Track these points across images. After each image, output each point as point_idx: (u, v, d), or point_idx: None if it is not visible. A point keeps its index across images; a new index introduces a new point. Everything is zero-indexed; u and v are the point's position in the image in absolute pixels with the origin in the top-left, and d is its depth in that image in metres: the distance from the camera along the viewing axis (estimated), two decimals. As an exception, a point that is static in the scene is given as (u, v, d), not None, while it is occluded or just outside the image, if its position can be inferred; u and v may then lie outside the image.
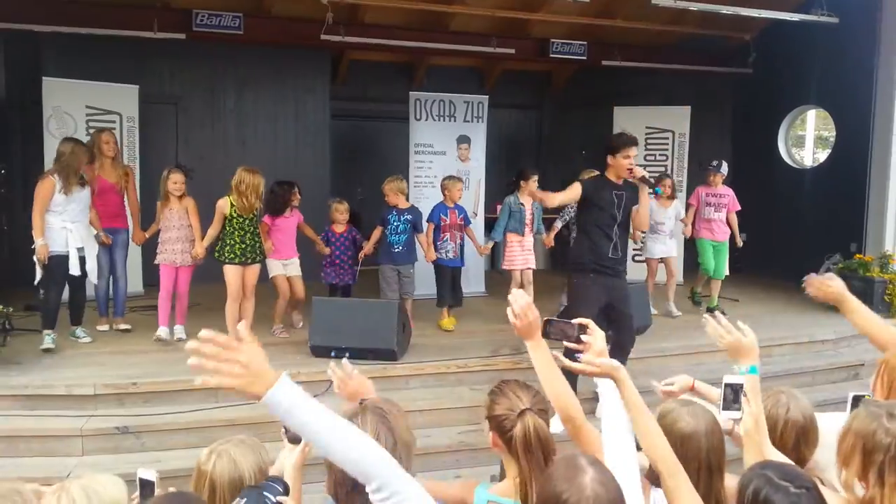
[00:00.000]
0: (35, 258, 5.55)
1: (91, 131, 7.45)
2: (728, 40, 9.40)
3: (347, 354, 5.43)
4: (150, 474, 2.08)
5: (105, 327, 6.42)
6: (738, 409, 2.09)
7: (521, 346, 5.78)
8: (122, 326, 6.45)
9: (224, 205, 5.84)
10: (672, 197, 7.45)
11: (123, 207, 6.51)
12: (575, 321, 2.01)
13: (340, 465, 1.45)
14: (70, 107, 7.57)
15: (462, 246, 6.93)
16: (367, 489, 1.44)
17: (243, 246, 5.86)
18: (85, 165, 5.92)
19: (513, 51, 9.00)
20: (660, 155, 9.45)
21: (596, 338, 1.95)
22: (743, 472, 1.79)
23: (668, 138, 9.41)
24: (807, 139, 13.68)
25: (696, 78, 9.64)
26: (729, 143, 10.32)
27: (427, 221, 6.75)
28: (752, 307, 7.66)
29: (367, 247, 6.47)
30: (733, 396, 2.09)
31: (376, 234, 6.53)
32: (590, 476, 1.51)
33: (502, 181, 8.97)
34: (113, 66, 7.93)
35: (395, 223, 6.47)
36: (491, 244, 7.20)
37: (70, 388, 4.84)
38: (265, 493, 1.94)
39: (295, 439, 2.22)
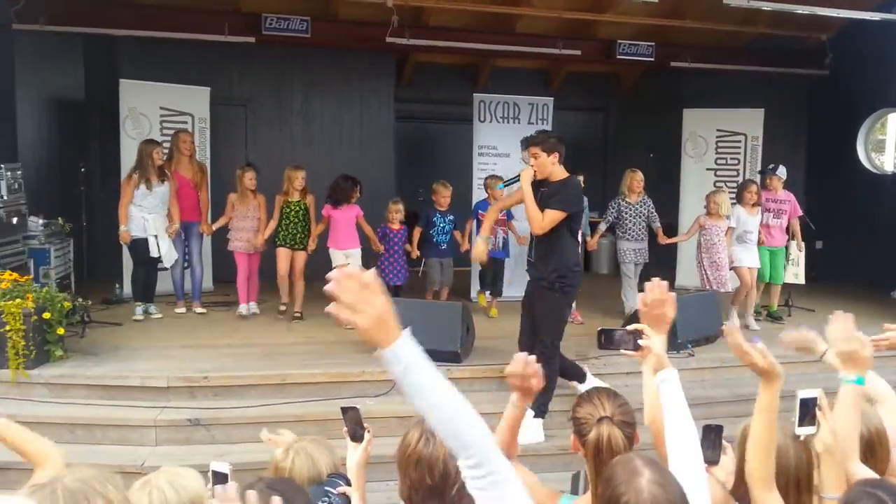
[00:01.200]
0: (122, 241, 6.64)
1: (165, 131, 7.76)
2: (803, 40, 9.06)
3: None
4: (223, 467, 2.10)
5: (182, 310, 6.99)
6: (814, 425, 1.99)
7: (584, 352, 5.69)
8: (199, 310, 7.02)
9: (279, 199, 6.78)
10: (758, 204, 6.95)
11: (198, 201, 7.05)
12: (630, 327, 2.00)
13: (440, 433, 1.39)
14: (145, 108, 7.81)
15: (506, 240, 7.46)
16: (462, 463, 1.39)
17: (286, 234, 6.74)
18: (164, 161, 6.69)
19: (579, 52, 8.90)
20: (731, 159, 9.15)
21: (654, 341, 1.95)
22: (848, 488, 1.69)
23: (740, 142, 9.11)
24: (888, 143, 13.05)
25: (768, 79, 9.33)
26: (804, 148, 9.95)
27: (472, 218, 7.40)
28: (828, 317, 7.29)
29: (413, 250, 7.01)
30: (808, 411, 1.99)
31: (417, 234, 7.08)
32: (646, 477, 1.50)
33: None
34: (185, 69, 8.18)
35: (442, 224, 7.17)
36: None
37: (144, 380, 5.00)
38: (326, 488, 1.99)
39: (356, 438, 2.22)
